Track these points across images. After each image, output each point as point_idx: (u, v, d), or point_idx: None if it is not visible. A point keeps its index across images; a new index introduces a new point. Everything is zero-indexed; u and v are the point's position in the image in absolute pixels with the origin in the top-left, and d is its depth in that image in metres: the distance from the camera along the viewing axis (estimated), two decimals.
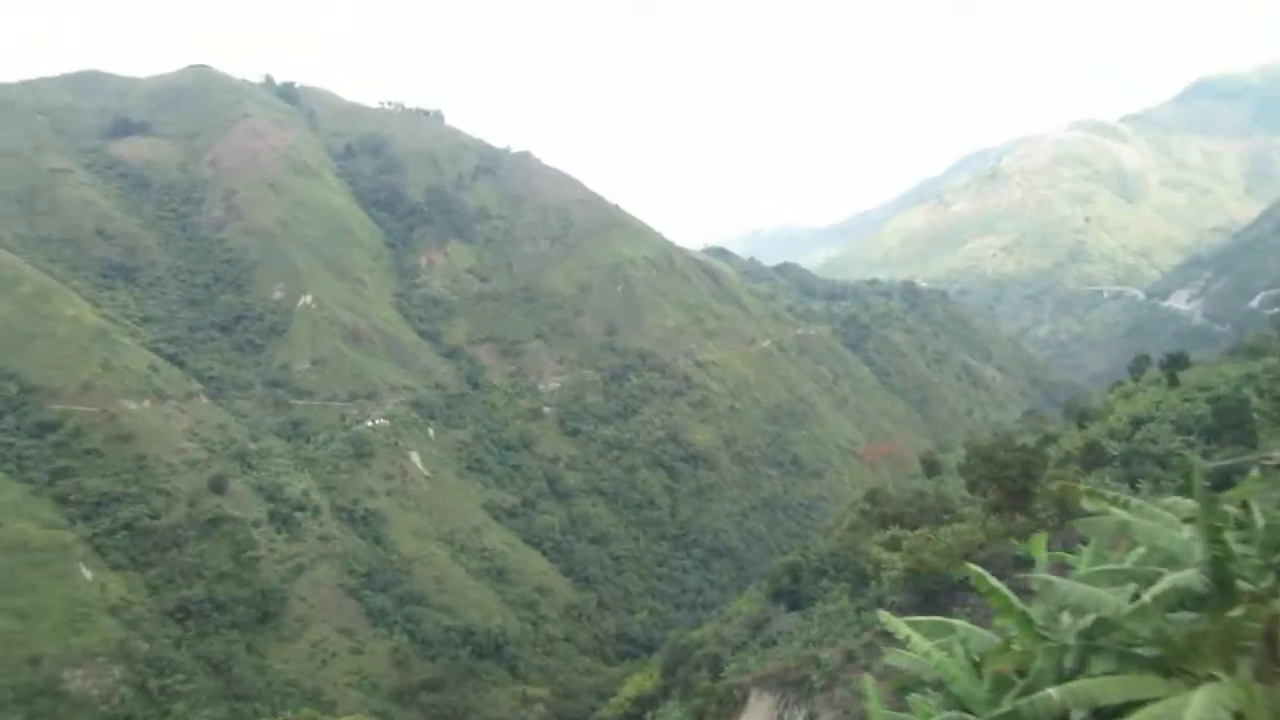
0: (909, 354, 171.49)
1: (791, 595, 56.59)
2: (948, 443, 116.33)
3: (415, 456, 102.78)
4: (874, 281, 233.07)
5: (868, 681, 11.85)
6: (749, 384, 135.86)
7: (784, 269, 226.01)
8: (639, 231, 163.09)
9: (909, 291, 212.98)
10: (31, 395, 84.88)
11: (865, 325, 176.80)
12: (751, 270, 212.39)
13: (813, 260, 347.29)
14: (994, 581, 10.33)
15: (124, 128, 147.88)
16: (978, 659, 10.20)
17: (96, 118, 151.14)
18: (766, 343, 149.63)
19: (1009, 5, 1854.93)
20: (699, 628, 75.14)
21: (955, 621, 11.06)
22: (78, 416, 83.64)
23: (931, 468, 77.84)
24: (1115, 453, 45.97)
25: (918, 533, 40.83)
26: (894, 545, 41.08)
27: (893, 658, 11.06)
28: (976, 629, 10.76)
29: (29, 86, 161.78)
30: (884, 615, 11.56)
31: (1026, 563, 12.10)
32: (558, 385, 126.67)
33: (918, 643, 10.55)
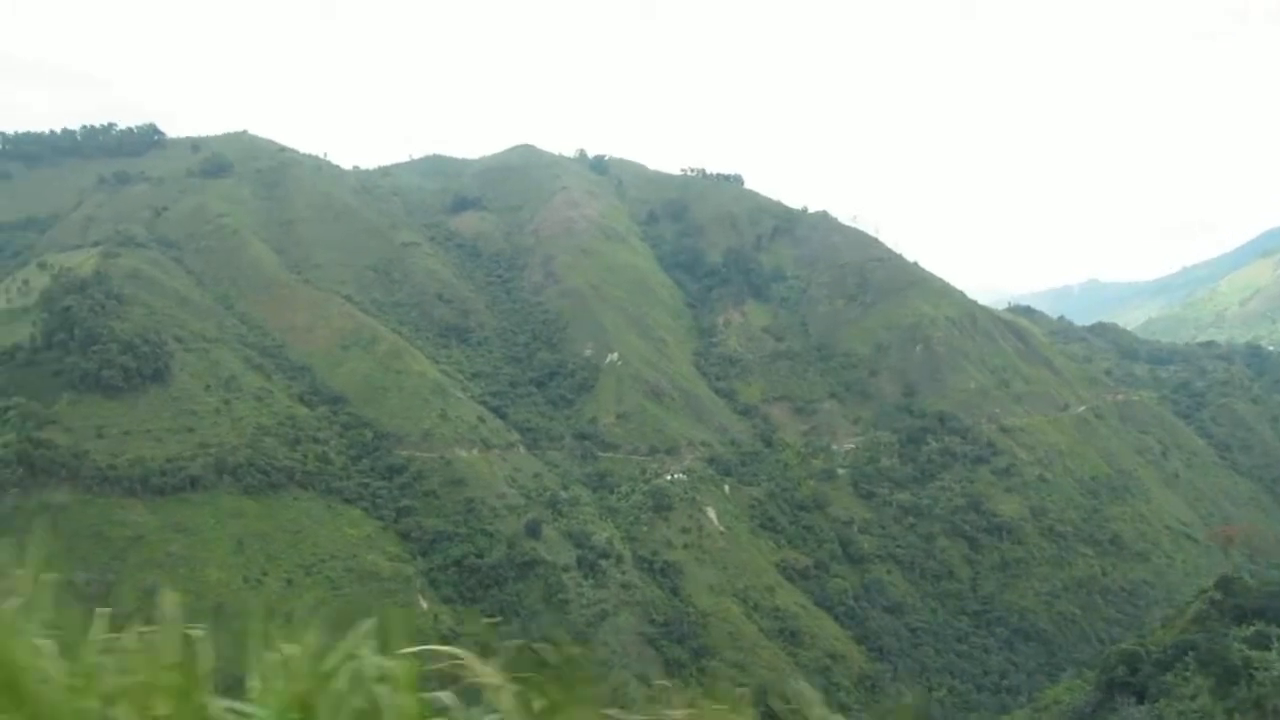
0: (1256, 427, 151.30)
1: (1126, 687, 51.78)
2: None
3: (711, 512, 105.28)
4: (1210, 344, 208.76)
5: None
6: (1061, 452, 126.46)
7: (1099, 329, 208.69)
8: (939, 289, 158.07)
9: (1254, 355, 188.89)
10: (384, 441, 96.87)
11: (1200, 393, 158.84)
12: (1061, 330, 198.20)
13: (1131, 319, 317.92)
14: None
15: (460, 203, 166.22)
16: None
17: (438, 196, 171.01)
18: (1081, 409, 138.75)
19: None
20: (1006, 714, 70.43)
21: None
22: (419, 462, 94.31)
23: None
24: None
25: None
26: (1260, 643, 36.73)
27: None
28: None
29: (384, 171, 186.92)
30: None
31: None
32: (852, 446, 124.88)
33: None
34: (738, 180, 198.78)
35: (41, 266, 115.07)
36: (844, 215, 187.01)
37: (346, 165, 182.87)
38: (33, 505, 73.81)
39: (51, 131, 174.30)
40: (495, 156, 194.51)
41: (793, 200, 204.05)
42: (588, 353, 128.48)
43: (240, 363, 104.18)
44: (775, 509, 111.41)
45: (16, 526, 75.94)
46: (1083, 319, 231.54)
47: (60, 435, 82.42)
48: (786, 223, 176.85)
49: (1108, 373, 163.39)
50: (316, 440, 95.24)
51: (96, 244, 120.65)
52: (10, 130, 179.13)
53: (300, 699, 2.24)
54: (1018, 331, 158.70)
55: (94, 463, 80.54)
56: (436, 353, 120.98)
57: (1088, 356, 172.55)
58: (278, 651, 2.32)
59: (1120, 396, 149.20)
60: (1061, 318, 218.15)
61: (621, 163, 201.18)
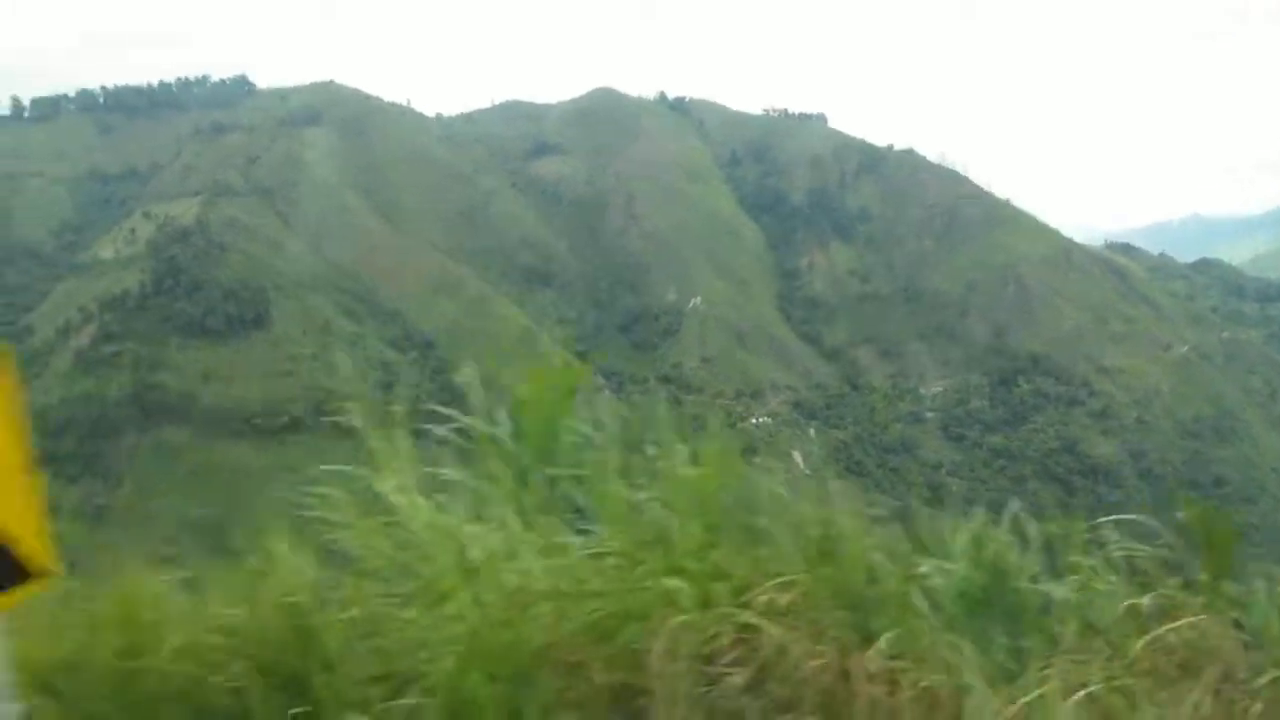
0: None
1: None
2: None
3: (797, 455, 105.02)
4: None
5: None
6: (1161, 393, 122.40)
7: (1202, 265, 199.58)
8: (1032, 227, 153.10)
9: None
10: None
11: None
12: (1162, 267, 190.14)
13: (1237, 255, 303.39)
14: None
15: (541, 149, 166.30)
16: None
17: (519, 141, 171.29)
18: (1185, 349, 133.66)
19: None
20: None
21: None
22: None
23: None
24: None
25: None
26: None
27: None
28: None
29: (466, 118, 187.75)
30: None
31: None
32: (940, 389, 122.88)
33: None
34: (821, 119, 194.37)
35: (146, 216, 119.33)
36: (931, 153, 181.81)
37: (429, 113, 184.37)
38: (148, 445, 77.58)
39: (149, 85, 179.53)
40: (575, 101, 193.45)
41: (878, 138, 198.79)
42: (671, 296, 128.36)
43: (334, 308, 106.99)
44: (861, 452, 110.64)
45: (136, 466, 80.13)
46: (1184, 255, 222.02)
47: (170, 379, 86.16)
48: (871, 161, 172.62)
49: (1213, 310, 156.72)
50: (410, 384, 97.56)
51: (196, 193, 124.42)
52: (111, 84, 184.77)
53: None
54: (1116, 269, 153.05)
55: (202, 405, 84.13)
56: (521, 297, 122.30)
57: (1190, 294, 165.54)
58: None
59: (1226, 335, 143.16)
60: (1162, 254, 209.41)
61: (702, 104, 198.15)
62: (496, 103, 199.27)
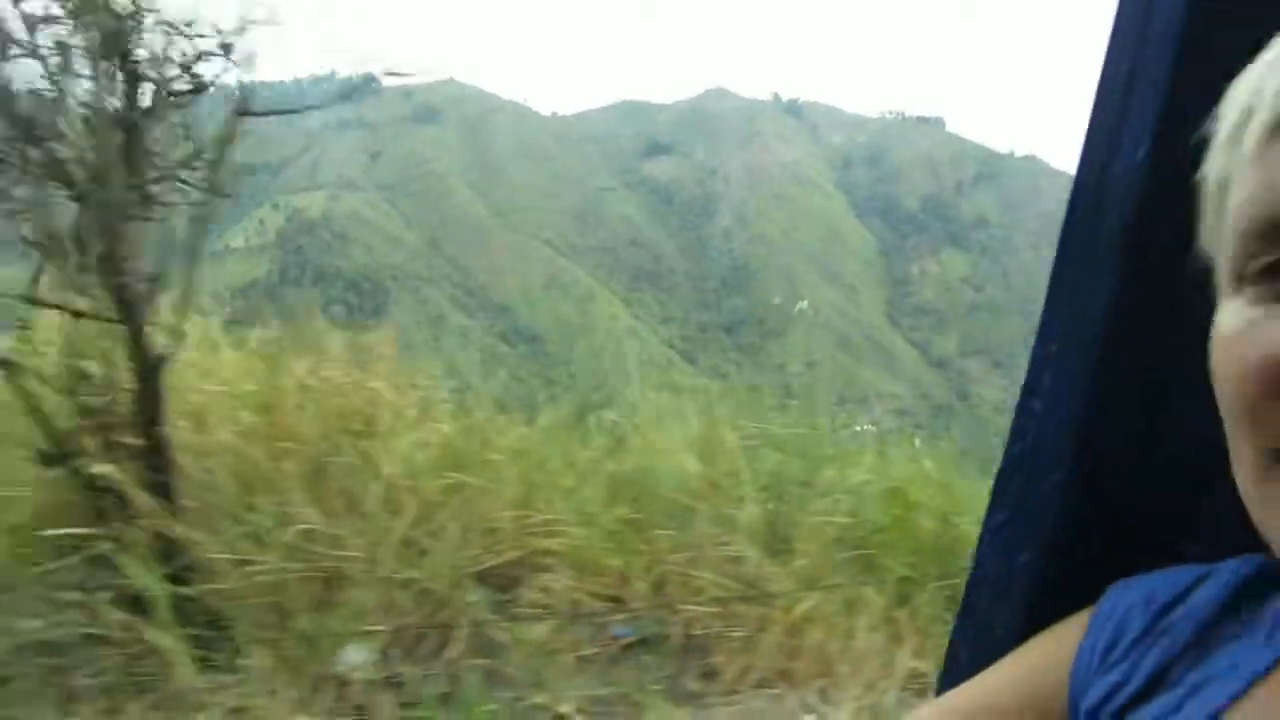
0: None
1: None
2: None
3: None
4: None
5: None
6: None
7: None
8: None
9: None
10: (574, 382, 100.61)
11: None
12: None
13: None
14: None
15: (654, 149, 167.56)
16: None
17: (632, 141, 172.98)
18: None
19: None
20: None
21: None
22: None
23: None
24: None
25: None
26: None
27: None
28: None
29: (580, 118, 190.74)
30: None
31: None
32: None
33: None
34: (939, 123, 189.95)
35: (275, 207, 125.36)
36: (1055, 159, 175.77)
37: (545, 111, 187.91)
38: None
39: (281, 81, 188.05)
40: (688, 101, 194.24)
41: (998, 144, 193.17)
42: (777, 300, 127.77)
43: (448, 301, 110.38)
44: (969, 464, 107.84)
45: None
46: None
47: None
48: (990, 168, 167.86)
49: None
50: (517, 379, 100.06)
51: (321, 187, 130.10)
52: (248, 80, 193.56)
53: None
54: None
55: None
56: (629, 296, 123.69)
57: None
58: None
59: None
60: None
61: (815, 106, 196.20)
62: (611, 102, 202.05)
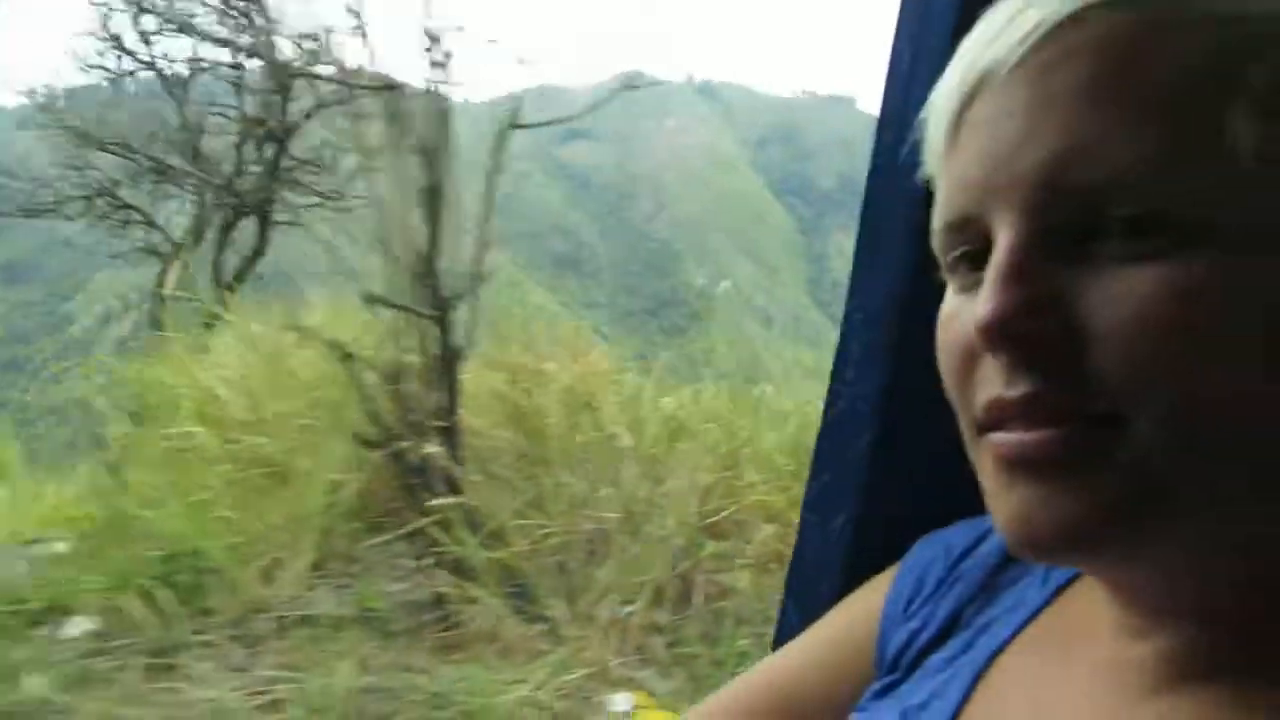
0: None
1: None
2: None
3: None
4: None
5: None
6: None
7: None
8: None
9: None
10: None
11: None
12: None
13: None
14: None
15: (570, 134, 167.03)
16: None
17: (548, 127, 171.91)
18: None
19: None
20: None
21: None
22: None
23: None
24: None
25: None
26: None
27: None
28: None
29: (492, 104, 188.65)
30: None
31: None
32: None
33: None
34: (850, 102, 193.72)
35: None
36: None
37: (458, 97, 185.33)
38: None
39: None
40: (603, 85, 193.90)
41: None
42: (700, 281, 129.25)
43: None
44: None
45: None
46: None
47: None
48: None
49: None
50: None
51: None
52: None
53: None
54: None
55: None
56: (552, 282, 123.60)
57: None
58: None
59: None
60: None
61: (729, 87, 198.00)
62: (524, 88, 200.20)
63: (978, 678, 0.59)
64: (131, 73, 9.26)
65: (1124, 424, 0.42)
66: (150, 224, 10.17)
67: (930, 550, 0.72)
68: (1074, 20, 0.44)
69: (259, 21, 8.45)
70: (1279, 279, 0.39)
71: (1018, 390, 0.44)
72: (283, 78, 8.80)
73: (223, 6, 8.37)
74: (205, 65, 9.24)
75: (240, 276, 9.19)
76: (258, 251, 9.45)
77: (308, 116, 8.89)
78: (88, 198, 9.80)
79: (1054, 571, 0.60)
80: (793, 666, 0.72)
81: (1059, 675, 0.54)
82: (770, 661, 0.74)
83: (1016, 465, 0.45)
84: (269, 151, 9.30)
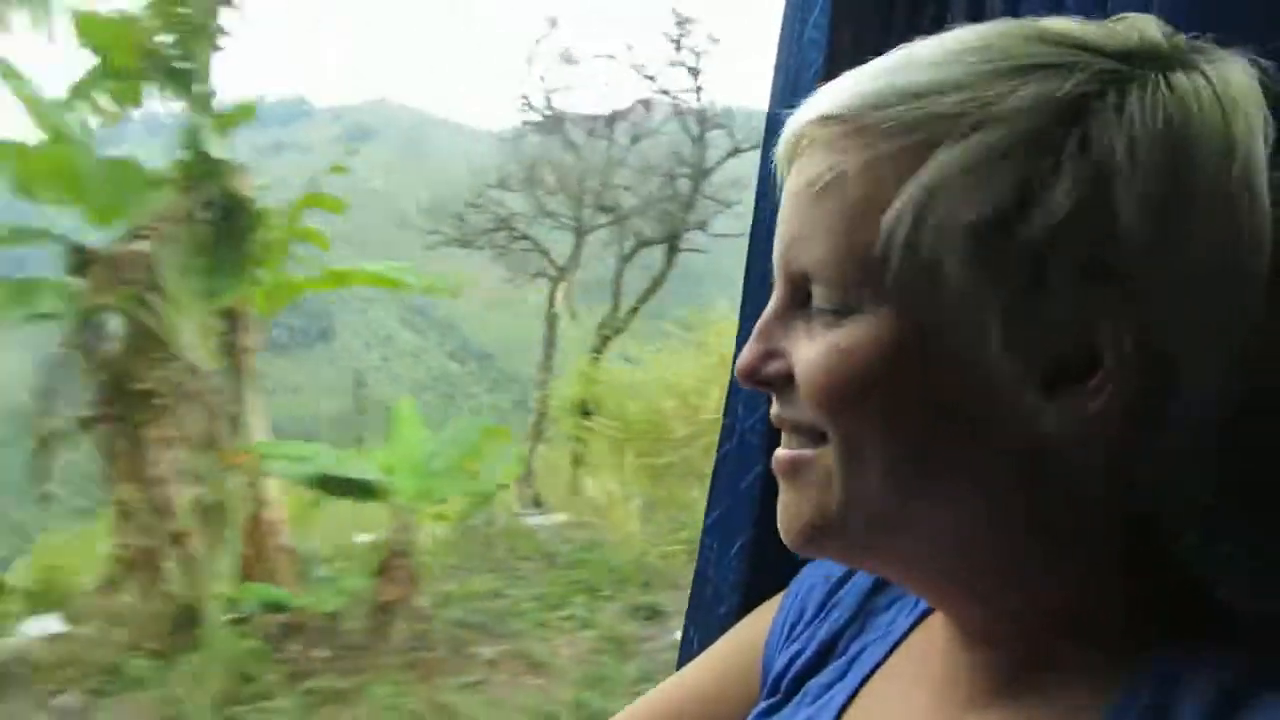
0: None
1: None
2: None
3: None
4: None
5: None
6: None
7: None
8: None
9: None
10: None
11: None
12: None
13: None
14: None
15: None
16: None
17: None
18: None
19: None
20: None
21: None
22: None
23: None
24: None
25: None
26: None
27: None
28: None
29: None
30: None
31: None
32: None
33: None
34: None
35: None
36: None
37: (480, 127, 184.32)
38: None
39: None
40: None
41: None
42: None
43: (396, 322, 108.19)
44: None
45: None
46: None
47: None
48: None
49: None
50: (469, 395, 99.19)
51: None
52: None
53: None
54: None
55: (272, 419, 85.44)
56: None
57: None
58: None
59: None
60: None
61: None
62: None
63: (847, 704, 0.63)
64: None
65: (828, 443, 0.52)
66: (543, 253, 11.36)
67: (812, 576, 0.76)
68: (823, 120, 0.52)
69: (691, 69, 9.54)
70: (917, 340, 0.48)
71: (774, 411, 0.56)
72: (704, 123, 9.83)
73: (674, 62, 9.52)
74: (645, 107, 10.35)
75: (644, 298, 10.15)
76: (660, 277, 10.40)
77: (725, 157, 9.91)
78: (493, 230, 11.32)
79: (921, 600, 0.65)
80: (682, 691, 0.77)
81: (913, 697, 0.60)
82: (663, 686, 0.79)
83: (779, 474, 0.56)
84: (684, 187, 10.28)
